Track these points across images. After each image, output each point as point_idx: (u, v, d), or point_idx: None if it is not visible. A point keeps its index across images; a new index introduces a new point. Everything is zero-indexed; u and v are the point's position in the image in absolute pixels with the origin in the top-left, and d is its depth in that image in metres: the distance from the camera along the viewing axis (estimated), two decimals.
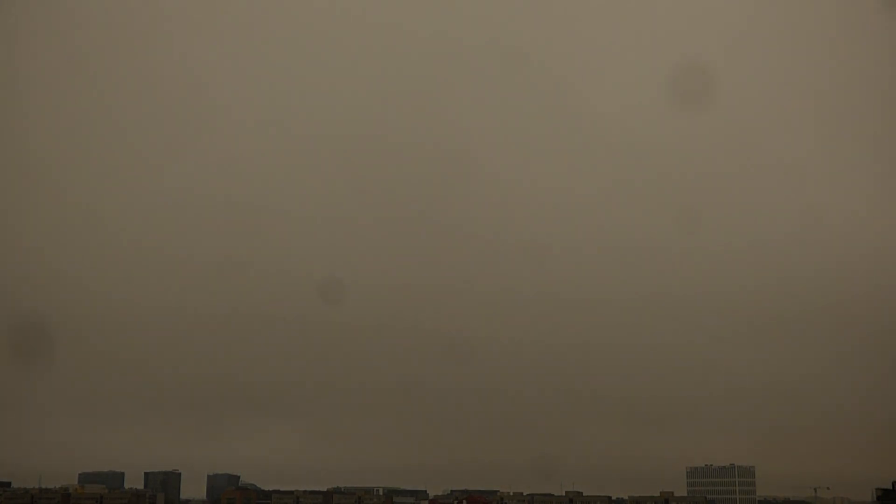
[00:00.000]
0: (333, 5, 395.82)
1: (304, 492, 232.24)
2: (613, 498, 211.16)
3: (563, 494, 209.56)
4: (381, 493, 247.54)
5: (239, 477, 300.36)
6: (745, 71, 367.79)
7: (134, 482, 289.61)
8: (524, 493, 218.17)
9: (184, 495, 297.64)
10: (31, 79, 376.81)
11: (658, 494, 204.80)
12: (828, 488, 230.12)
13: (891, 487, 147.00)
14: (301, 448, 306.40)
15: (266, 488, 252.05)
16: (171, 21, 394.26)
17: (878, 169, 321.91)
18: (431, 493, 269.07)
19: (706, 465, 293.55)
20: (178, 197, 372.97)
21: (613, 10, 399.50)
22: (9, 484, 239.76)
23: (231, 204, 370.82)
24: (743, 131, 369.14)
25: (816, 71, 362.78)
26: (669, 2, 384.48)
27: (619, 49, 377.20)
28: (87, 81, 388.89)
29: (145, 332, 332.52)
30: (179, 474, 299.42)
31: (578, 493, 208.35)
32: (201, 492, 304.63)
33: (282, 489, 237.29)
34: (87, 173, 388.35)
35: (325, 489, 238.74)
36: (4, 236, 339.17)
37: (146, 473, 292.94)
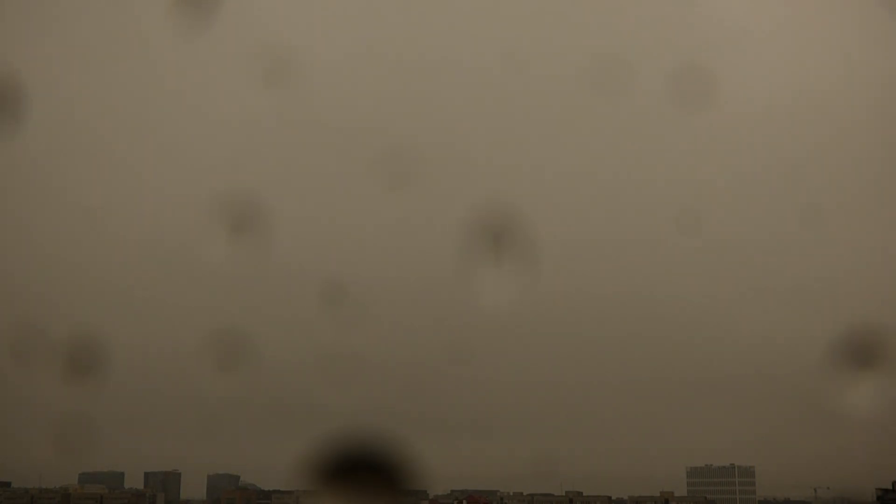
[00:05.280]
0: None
1: (304, 492, 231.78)
2: (613, 498, 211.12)
3: (563, 494, 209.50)
4: None
5: (239, 477, 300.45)
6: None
7: (134, 482, 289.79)
8: (524, 493, 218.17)
9: (184, 495, 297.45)
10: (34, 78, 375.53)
11: (658, 494, 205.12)
12: (828, 488, 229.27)
13: (891, 487, 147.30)
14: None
15: (266, 488, 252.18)
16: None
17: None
18: (431, 494, 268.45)
19: (706, 465, 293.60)
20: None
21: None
22: (9, 484, 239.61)
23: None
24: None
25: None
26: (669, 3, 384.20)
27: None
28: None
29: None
30: (179, 474, 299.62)
31: (578, 492, 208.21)
32: (201, 492, 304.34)
33: (282, 489, 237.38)
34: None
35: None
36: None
37: (146, 473, 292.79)
